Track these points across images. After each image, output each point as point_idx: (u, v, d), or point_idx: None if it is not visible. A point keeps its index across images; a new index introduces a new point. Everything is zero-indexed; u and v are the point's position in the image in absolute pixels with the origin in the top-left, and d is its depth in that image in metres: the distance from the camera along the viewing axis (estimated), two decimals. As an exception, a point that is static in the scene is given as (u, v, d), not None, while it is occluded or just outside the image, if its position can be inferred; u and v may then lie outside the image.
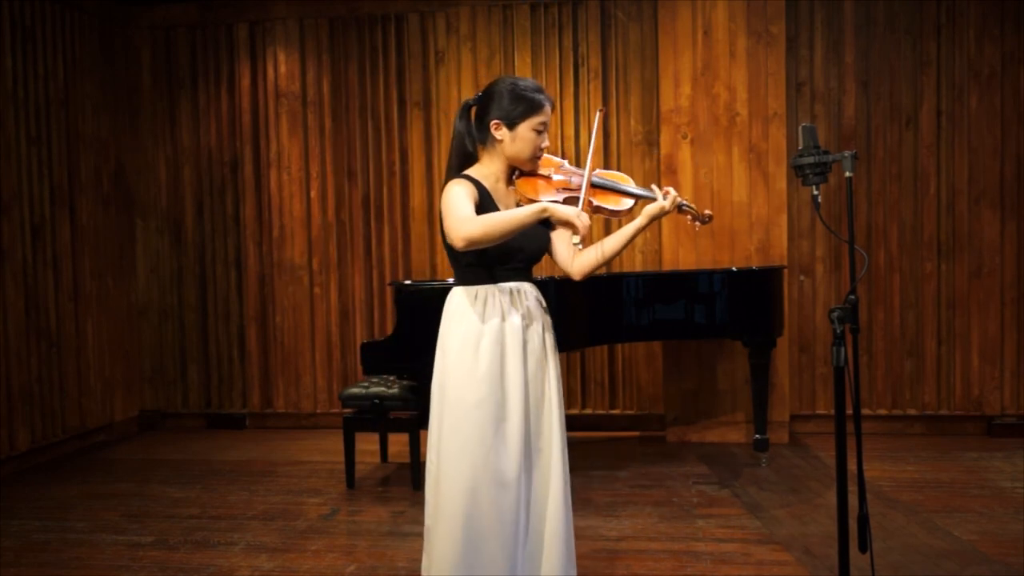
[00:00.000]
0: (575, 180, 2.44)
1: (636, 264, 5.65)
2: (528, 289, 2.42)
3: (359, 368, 5.31)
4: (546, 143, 2.40)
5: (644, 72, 5.63)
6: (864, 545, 2.54)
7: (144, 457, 5.40)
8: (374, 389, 4.50)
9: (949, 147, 5.37)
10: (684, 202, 2.46)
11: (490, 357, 2.28)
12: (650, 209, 2.40)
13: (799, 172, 2.62)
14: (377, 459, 5.05)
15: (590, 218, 2.34)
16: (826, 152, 2.57)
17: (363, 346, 4.36)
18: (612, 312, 4.46)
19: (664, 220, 5.30)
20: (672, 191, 2.41)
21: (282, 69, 6.02)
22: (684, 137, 5.27)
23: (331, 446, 5.40)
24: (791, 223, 5.43)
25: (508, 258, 2.35)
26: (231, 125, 6.11)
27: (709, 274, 4.59)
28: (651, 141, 5.58)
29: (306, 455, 5.30)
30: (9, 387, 4.98)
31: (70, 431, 5.49)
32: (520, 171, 2.44)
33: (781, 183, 5.21)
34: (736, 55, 5.20)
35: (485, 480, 2.22)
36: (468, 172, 2.39)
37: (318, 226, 6.02)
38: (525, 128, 2.35)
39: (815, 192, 2.59)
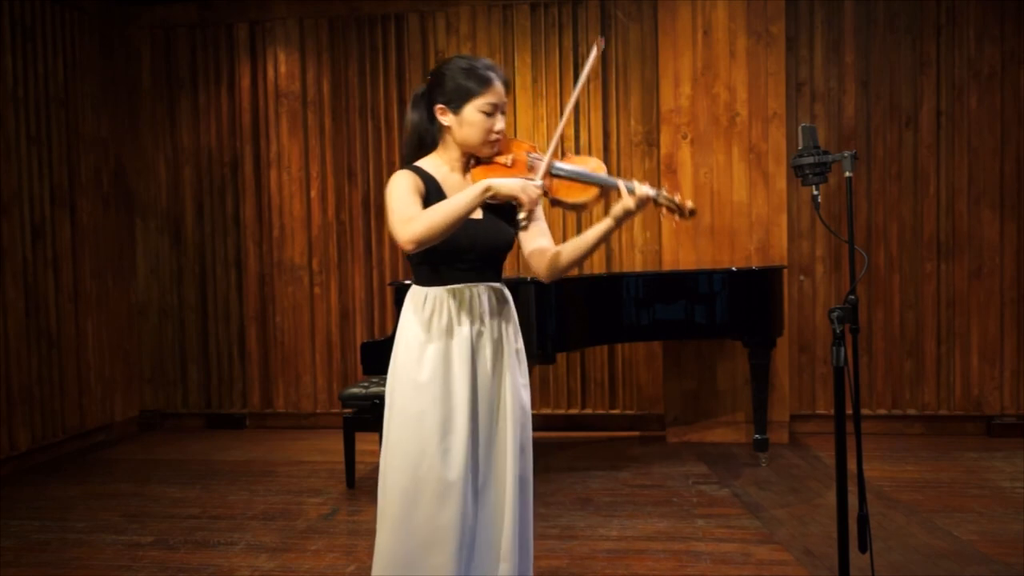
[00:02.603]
0: (536, 166, 2.18)
1: (636, 264, 5.65)
2: (483, 290, 2.21)
3: (359, 368, 5.31)
4: (499, 126, 2.18)
5: (644, 72, 5.63)
6: (864, 545, 2.54)
7: (144, 457, 5.40)
8: (374, 389, 4.50)
9: (949, 147, 5.37)
10: (658, 195, 2.15)
11: (434, 366, 2.15)
12: (615, 211, 2.13)
13: (799, 172, 2.62)
14: (377, 459, 5.03)
15: (549, 189, 2.14)
16: (826, 152, 2.58)
17: (363, 346, 4.37)
18: (612, 312, 4.46)
19: (664, 221, 5.28)
20: (644, 189, 2.13)
21: (282, 69, 6.02)
22: (684, 137, 5.27)
23: (331, 446, 5.40)
24: (791, 223, 5.43)
25: (456, 257, 2.16)
26: (231, 125, 6.11)
27: (709, 274, 4.59)
28: (651, 141, 5.58)
29: (306, 455, 5.30)
30: (9, 387, 4.98)
31: (70, 431, 5.49)
32: (476, 160, 2.23)
33: (781, 183, 5.21)
34: (736, 55, 5.20)
35: (425, 491, 2.12)
36: (418, 163, 2.22)
37: (318, 226, 6.02)
38: (471, 110, 2.15)
39: (815, 192, 2.59)
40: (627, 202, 2.12)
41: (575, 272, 5.39)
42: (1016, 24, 5.27)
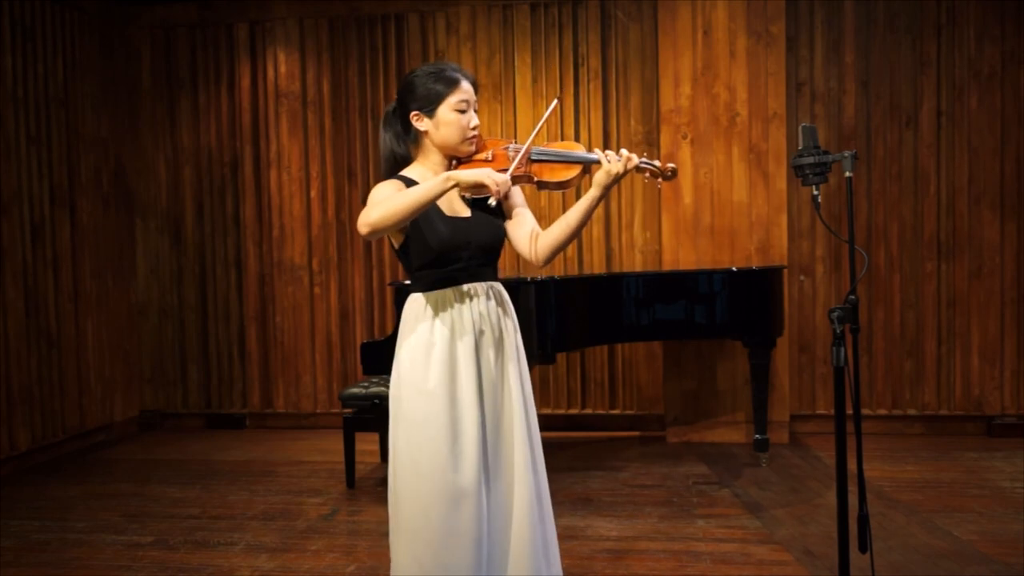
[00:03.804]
0: (513, 158, 2.24)
1: (636, 264, 5.65)
2: (482, 289, 2.23)
3: (359, 368, 5.31)
4: (474, 122, 2.24)
5: (644, 72, 5.63)
6: (864, 545, 2.54)
7: (144, 457, 5.40)
8: (374, 389, 4.50)
9: (949, 147, 5.37)
10: (640, 160, 2.20)
11: (439, 370, 2.16)
12: (598, 177, 2.17)
13: (799, 172, 2.62)
14: (377, 459, 5.05)
15: (533, 174, 2.18)
16: (826, 152, 2.57)
17: (363, 346, 4.37)
18: (612, 312, 4.46)
19: (664, 220, 5.30)
20: (624, 152, 2.17)
21: (282, 69, 6.02)
22: (684, 137, 5.27)
23: (331, 446, 5.40)
24: (791, 223, 5.43)
25: (450, 259, 2.19)
26: (231, 125, 6.11)
27: (709, 274, 4.59)
28: (651, 141, 5.58)
29: (306, 455, 5.30)
30: (9, 387, 4.98)
31: (70, 431, 5.49)
32: (458, 160, 2.28)
33: (781, 183, 5.21)
34: (736, 55, 5.20)
35: (440, 496, 2.12)
36: (403, 172, 2.27)
37: (318, 226, 6.02)
38: (445, 110, 2.21)
39: (815, 192, 2.59)
40: (609, 166, 2.15)
41: (575, 272, 5.40)
42: (1016, 24, 5.27)
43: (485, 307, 2.22)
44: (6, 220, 5.00)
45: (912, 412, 5.46)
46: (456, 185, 2.03)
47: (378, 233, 2.06)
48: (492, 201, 2.04)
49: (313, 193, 6.02)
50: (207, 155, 6.14)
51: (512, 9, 5.77)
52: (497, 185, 2.01)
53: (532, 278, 4.16)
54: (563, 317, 4.24)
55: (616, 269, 5.66)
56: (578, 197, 2.29)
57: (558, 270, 5.47)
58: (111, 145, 5.98)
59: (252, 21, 6.05)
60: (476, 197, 2.24)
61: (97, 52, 5.84)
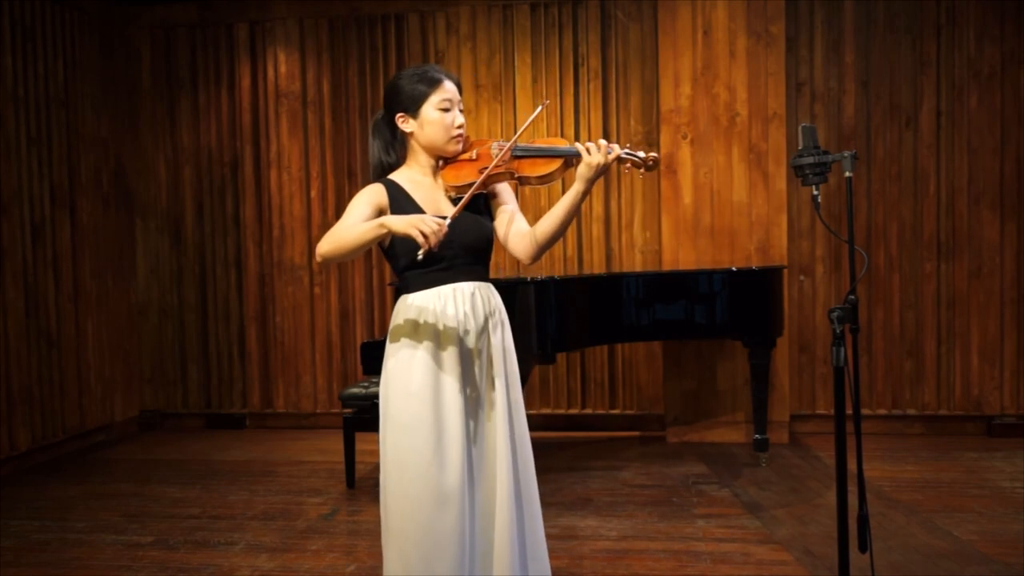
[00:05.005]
0: (498, 152, 2.24)
1: (636, 264, 5.65)
2: (469, 289, 2.23)
3: (359, 368, 5.31)
4: (459, 120, 2.25)
5: (644, 72, 5.63)
6: (864, 545, 2.54)
7: (144, 457, 5.40)
8: (374, 389, 4.49)
9: (949, 147, 5.37)
10: (623, 151, 2.19)
11: (423, 372, 2.17)
12: (580, 171, 2.16)
13: (799, 172, 2.62)
14: (377, 459, 5.03)
15: (515, 170, 2.18)
16: (826, 152, 2.58)
17: (363, 346, 4.37)
18: (612, 312, 4.46)
19: (664, 220, 5.30)
20: (603, 142, 2.16)
21: (282, 69, 6.02)
22: (684, 137, 5.27)
23: (331, 446, 5.40)
24: (791, 223, 5.43)
25: (436, 258, 2.16)
26: (231, 125, 6.11)
27: (709, 274, 4.59)
28: (651, 141, 5.58)
29: (306, 455, 5.30)
30: (9, 387, 4.98)
31: (70, 431, 5.49)
32: (445, 160, 2.29)
33: (781, 183, 5.21)
34: (736, 55, 5.21)
35: (426, 498, 2.13)
36: (391, 175, 2.29)
37: (318, 226, 6.02)
38: (428, 110, 2.23)
39: (815, 192, 2.59)
40: (590, 159, 2.16)
41: (575, 272, 5.40)
42: (1016, 24, 5.27)
43: (471, 308, 2.22)
44: (6, 220, 5.01)
45: (912, 412, 5.47)
46: (388, 231, 2.02)
47: (329, 263, 2.11)
48: (420, 254, 1.98)
49: (313, 193, 6.02)
50: (207, 155, 6.14)
51: (512, 9, 5.77)
52: (425, 236, 1.95)
53: (532, 278, 4.16)
54: (563, 317, 4.24)
55: (616, 269, 5.66)
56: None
57: (558, 270, 5.47)
58: (111, 145, 5.98)
59: (252, 21, 6.05)
60: (458, 196, 2.24)
61: (97, 52, 5.84)
